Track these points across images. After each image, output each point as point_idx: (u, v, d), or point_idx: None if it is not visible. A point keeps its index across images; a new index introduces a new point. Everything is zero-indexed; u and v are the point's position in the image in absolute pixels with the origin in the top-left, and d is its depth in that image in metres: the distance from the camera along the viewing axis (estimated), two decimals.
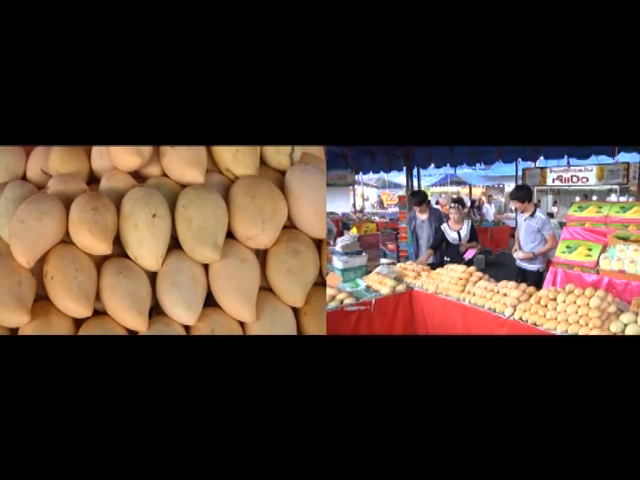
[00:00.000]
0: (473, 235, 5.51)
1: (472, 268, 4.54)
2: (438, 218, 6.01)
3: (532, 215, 4.95)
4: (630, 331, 3.00)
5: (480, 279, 4.32)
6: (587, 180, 8.68)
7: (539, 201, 11.74)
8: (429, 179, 19.06)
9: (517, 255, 5.07)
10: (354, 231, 9.34)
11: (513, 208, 5.51)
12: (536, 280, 4.71)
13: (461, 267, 4.59)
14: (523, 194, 5.03)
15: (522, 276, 4.87)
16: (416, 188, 10.57)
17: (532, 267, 5.00)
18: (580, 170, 8.70)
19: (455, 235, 5.45)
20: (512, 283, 3.97)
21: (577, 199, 11.35)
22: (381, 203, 22.18)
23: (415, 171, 10.48)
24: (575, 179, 8.83)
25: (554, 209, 13.24)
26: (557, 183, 9.18)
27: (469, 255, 5.26)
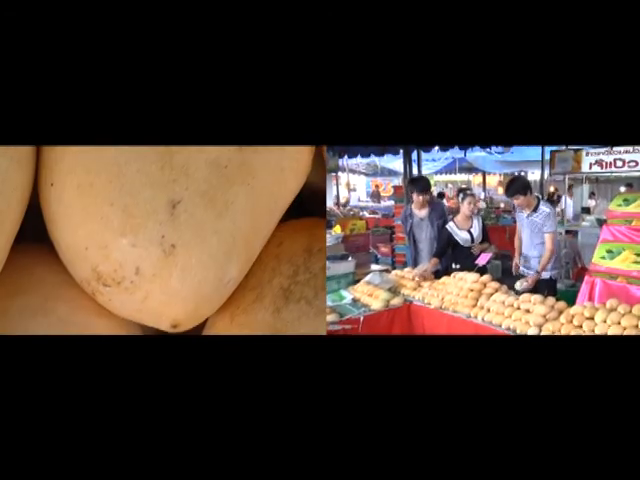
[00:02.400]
0: (485, 235, 5.45)
1: (486, 277, 4.55)
2: (441, 214, 5.91)
3: (535, 209, 4.90)
4: None
5: (496, 291, 4.33)
6: (636, 164, 8.39)
7: (570, 187, 11.64)
8: (432, 165, 19.04)
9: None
10: (337, 230, 9.26)
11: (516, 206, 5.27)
12: (549, 292, 4.47)
13: (472, 276, 4.58)
14: (521, 186, 4.96)
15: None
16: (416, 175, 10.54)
17: (542, 275, 4.88)
18: (627, 151, 8.37)
19: (466, 235, 5.37)
20: (537, 296, 3.96)
21: (622, 189, 11.20)
22: (377, 195, 22.10)
23: (415, 154, 10.44)
24: (620, 163, 8.54)
25: (591, 202, 12.96)
26: (596, 169, 8.99)
27: (483, 260, 5.10)
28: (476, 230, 5.38)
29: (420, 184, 6.03)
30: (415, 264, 5.86)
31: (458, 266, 5.25)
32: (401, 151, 10.21)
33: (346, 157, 13.34)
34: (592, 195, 13.23)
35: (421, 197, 5.86)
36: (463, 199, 5.48)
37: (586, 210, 10.73)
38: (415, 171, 10.56)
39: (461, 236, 5.37)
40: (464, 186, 19.01)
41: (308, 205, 2.53)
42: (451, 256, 5.47)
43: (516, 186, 4.98)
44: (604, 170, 8.79)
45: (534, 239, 4.94)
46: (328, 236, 6.39)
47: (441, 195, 14.48)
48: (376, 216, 14.48)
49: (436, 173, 19.89)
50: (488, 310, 4.08)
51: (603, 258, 4.35)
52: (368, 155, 12.51)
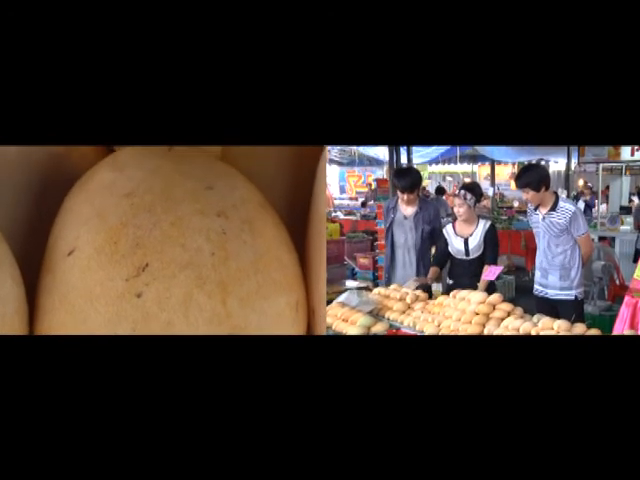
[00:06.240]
0: (490, 245, 5.36)
1: (495, 297, 4.52)
2: (431, 217, 5.82)
3: (554, 208, 4.89)
4: None
5: (509, 315, 4.32)
6: None
7: (607, 188, 11.62)
8: (425, 152, 18.68)
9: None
10: None
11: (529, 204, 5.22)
12: (575, 315, 4.41)
13: (478, 295, 4.57)
14: (537, 177, 4.95)
15: (549, 311, 4.66)
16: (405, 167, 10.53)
17: (565, 295, 4.95)
18: None
19: (459, 245, 5.35)
20: (561, 322, 3.97)
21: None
22: (374, 193, 21.74)
23: None
24: None
25: (635, 200, 12.79)
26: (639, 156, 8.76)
27: (491, 275, 5.05)
28: (475, 239, 5.33)
29: (405, 179, 5.85)
30: (388, 272, 5.86)
31: (451, 282, 5.29)
32: None
33: None
34: (637, 192, 12.98)
35: (405, 196, 5.79)
36: (456, 197, 5.42)
37: (627, 210, 10.61)
38: (404, 160, 10.57)
39: (454, 245, 5.36)
40: (467, 180, 18.98)
41: None
42: (447, 269, 5.46)
43: (529, 177, 4.98)
44: None
45: (554, 246, 4.96)
46: None
47: (440, 191, 14.37)
48: (353, 218, 14.44)
49: (431, 162, 19.62)
50: None
51: None
52: None
